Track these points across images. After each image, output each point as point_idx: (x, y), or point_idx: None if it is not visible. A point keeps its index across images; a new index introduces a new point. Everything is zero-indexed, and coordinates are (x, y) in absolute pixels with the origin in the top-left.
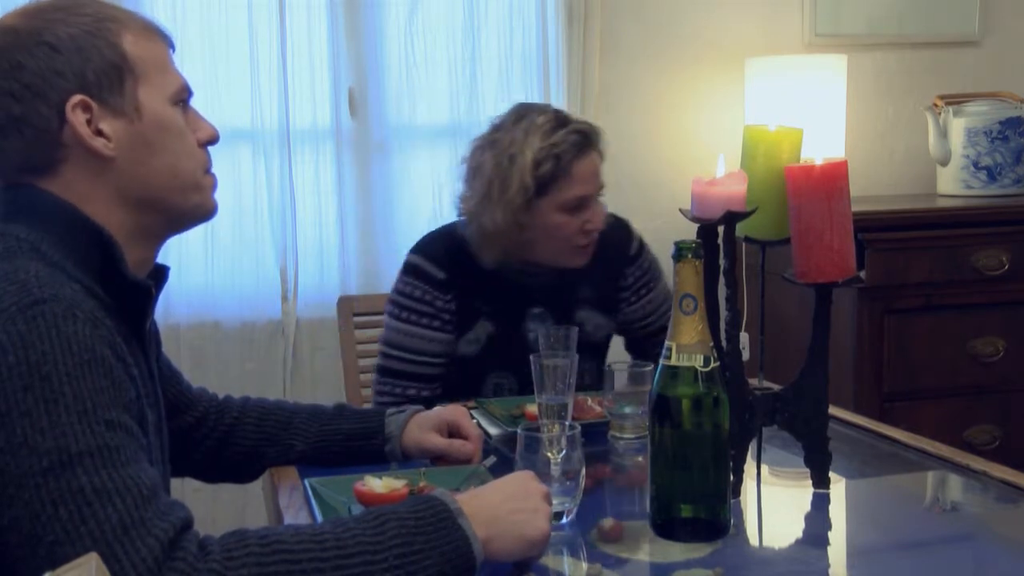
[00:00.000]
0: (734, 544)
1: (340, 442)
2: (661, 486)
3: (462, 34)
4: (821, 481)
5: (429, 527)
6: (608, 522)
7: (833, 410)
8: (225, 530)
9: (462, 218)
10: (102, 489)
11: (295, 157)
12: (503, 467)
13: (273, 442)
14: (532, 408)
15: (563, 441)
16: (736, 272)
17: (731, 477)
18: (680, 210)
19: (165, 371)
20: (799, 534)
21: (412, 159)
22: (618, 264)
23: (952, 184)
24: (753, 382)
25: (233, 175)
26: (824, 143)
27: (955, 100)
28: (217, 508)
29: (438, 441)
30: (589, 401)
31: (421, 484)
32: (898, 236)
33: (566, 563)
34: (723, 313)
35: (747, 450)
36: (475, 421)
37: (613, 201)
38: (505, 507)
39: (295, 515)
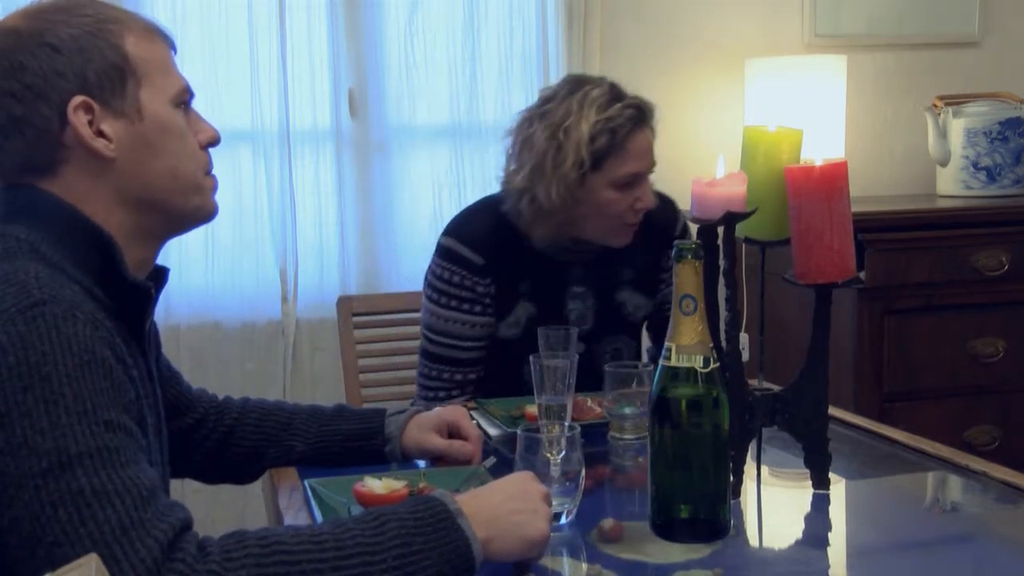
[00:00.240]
0: (734, 545)
1: (340, 443)
2: (661, 487)
3: (462, 34)
4: (821, 482)
5: (428, 528)
6: (608, 523)
7: (833, 411)
8: (225, 531)
9: (501, 193)
10: (101, 490)
11: (295, 158)
12: (503, 468)
13: (273, 443)
14: (532, 409)
15: (563, 442)
16: (736, 273)
17: (731, 478)
18: (680, 210)
19: (165, 372)
20: (799, 535)
21: (412, 160)
22: (662, 244)
23: (952, 184)
24: (753, 383)
25: (233, 176)
26: (824, 143)
27: (955, 100)
28: (217, 509)
29: (438, 442)
30: (589, 402)
31: (421, 485)
32: (898, 237)
33: (566, 564)
34: (723, 314)
35: (747, 451)
36: (475, 422)
37: None
38: (505, 508)
39: (295, 516)
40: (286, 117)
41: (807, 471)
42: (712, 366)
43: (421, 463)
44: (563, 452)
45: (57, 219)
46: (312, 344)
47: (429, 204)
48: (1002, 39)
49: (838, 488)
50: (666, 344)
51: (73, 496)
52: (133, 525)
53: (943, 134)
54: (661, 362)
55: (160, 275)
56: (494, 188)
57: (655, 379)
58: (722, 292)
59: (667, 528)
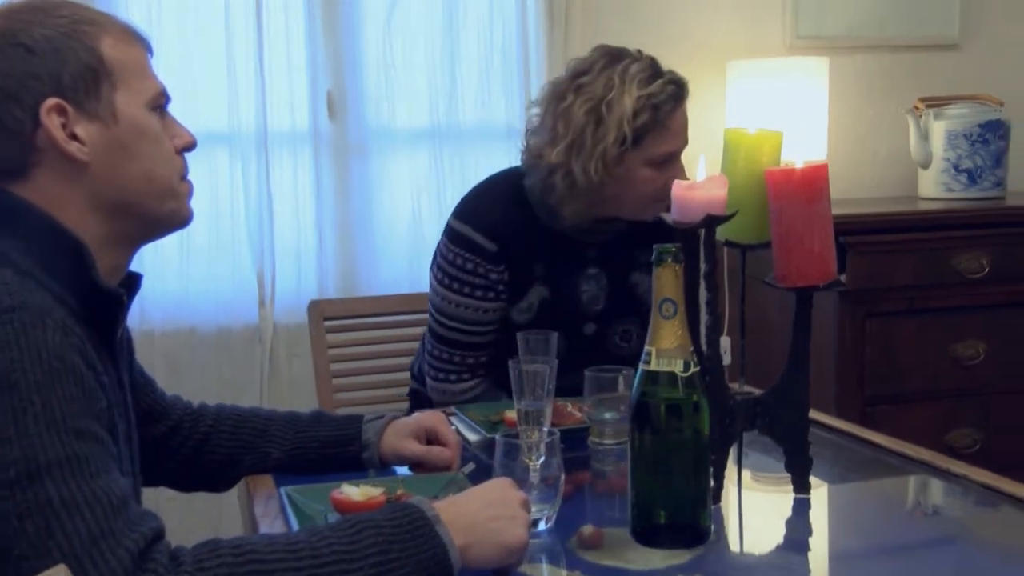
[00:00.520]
0: (715, 550)
1: (317, 449)
2: (641, 492)
3: (441, 35)
4: (802, 486)
5: (406, 535)
6: (588, 529)
7: (814, 414)
8: (201, 540)
9: (516, 168)
10: (71, 500)
11: (272, 160)
12: (482, 474)
13: (249, 450)
14: (511, 414)
15: (542, 447)
16: (717, 276)
17: (711, 483)
18: (660, 214)
19: (138, 379)
20: (780, 540)
21: (391, 162)
22: None
23: (933, 187)
24: (734, 387)
25: (210, 179)
26: (806, 145)
27: (936, 103)
28: (192, 517)
29: (416, 448)
30: (569, 407)
31: (399, 491)
32: (880, 239)
33: (545, 570)
34: (703, 317)
35: (728, 455)
36: (454, 428)
37: None
38: (483, 514)
39: (271, 524)
40: (263, 119)
41: (788, 475)
42: (692, 370)
43: (399, 469)
44: (542, 458)
45: (28, 224)
46: (289, 349)
47: (408, 207)
48: (982, 42)
49: (819, 492)
50: (646, 348)
51: (41, 507)
52: (103, 536)
53: (925, 136)
54: (641, 366)
55: (133, 281)
56: None
57: (635, 383)
58: (703, 296)
59: (647, 534)
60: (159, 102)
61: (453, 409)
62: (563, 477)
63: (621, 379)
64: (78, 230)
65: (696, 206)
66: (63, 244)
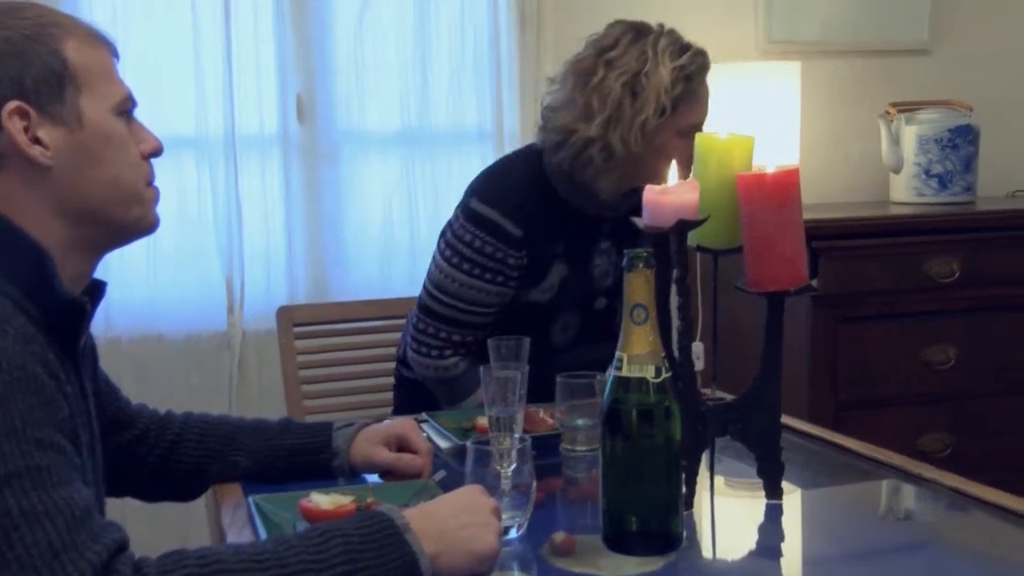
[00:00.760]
0: (687, 557)
1: (286, 457)
2: (612, 499)
3: (413, 37)
4: (774, 492)
5: (375, 543)
6: (559, 536)
7: (787, 420)
8: (168, 550)
9: (530, 147)
10: (31, 512)
11: (241, 165)
12: (453, 481)
13: (216, 458)
14: (483, 421)
15: (513, 454)
16: (689, 281)
17: (683, 489)
18: (632, 219)
19: (103, 387)
20: (752, 545)
21: (362, 165)
22: None
23: (905, 191)
24: (706, 392)
25: (177, 183)
26: (779, 150)
27: (907, 108)
28: (159, 527)
29: (386, 455)
30: (541, 413)
31: (369, 500)
32: (851, 244)
33: None
34: (675, 323)
35: (700, 461)
36: (425, 435)
37: None
38: (454, 522)
39: (238, 533)
40: (231, 122)
41: (761, 481)
42: (664, 376)
43: (370, 477)
44: (514, 465)
45: None
46: (259, 356)
47: (379, 211)
48: (951, 48)
49: (792, 498)
50: (617, 354)
51: (0, 518)
52: (64, 548)
53: (896, 141)
54: (612, 372)
55: (97, 289)
56: (446, 194)
57: (606, 390)
58: (675, 301)
59: (619, 541)
60: (125, 107)
61: (424, 416)
62: (535, 484)
63: (595, 385)
64: (40, 236)
65: (668, 211)
66: (24, 251)
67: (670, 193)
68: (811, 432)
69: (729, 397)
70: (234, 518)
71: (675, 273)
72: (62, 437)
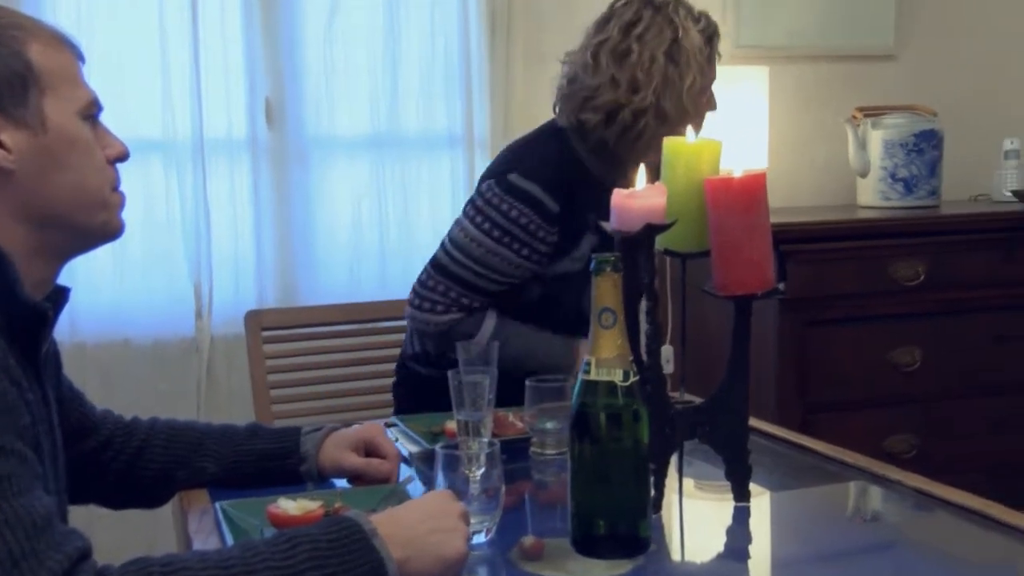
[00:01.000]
0: (656, 560)
1: (254, 463)
2: (581, 502)
3: (383, 41)
4: (742, 494)
5: (343, 548)
6: (528, 540)
7: (755, 423)
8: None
9: (555, 128)
10: None
11: (209, 168)
12: (422, 486)
13: (183, 464)
14: (452, 425)
15: (482, 458)
16: (658, 285)
17: (652, 492)
18: (599, 223)
19: (66, 393)
20: (721, 548)
21: (331, 169)
22: None
23: (871, 195)
24: (675, 395)
25: (144, 187)
26: (747, 154)
27: (873, 112)
28: (125, 534)
29: (355, 460)
30: (510, 417)
31: (336, 505)
32: (818, 247)
33: None
34: (643, 327)
35: (668, 464)
36: (393, 439)
37: None
38: (422, 527)
39: (205, 540)
40: (199, 126)
41: (729, 484)
42: (632, 379)
43: (338, 482)
44: (482, 469)
45: None
46: (228, 362)
47: (349, 215)
48: (916, 53)
49: (760, 500)
50: (585, 358)
51: None
52: (25, 557)
53: (863, 145)
54: (580, 376)
55: (60, 295)
56: (416, 198)
57: (575, 393)
58: (643, 305)
59: (588, 544)
60: (90, 111)
61: (393, 420)
62: (503, 488)
63: (564, 389)
64: (2, 241)
65: (635, 215)
66: None
67: (638, 197)
68: (779, 435)
69: (697, 400)
70: (201, 524)
71: (644, 277)
72: (23, 444)
